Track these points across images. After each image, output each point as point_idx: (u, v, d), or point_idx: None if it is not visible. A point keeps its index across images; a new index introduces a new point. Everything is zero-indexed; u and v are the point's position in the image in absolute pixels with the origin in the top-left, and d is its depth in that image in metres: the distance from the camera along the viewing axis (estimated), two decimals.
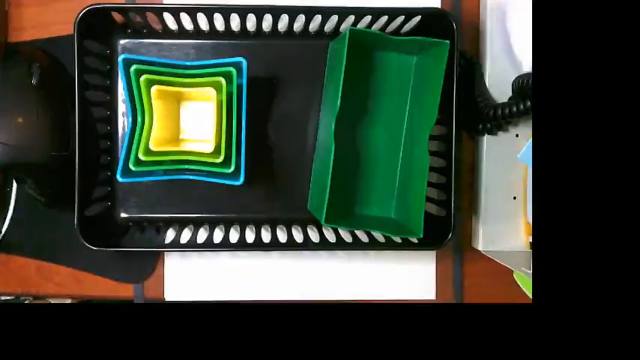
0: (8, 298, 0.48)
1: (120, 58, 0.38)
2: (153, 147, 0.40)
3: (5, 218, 0.46)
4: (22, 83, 0.43)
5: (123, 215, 0.46)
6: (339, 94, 0.40)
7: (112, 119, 0.46)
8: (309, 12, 0.43)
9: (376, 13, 0.43)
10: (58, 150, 0.43)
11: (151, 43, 0.46)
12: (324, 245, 0.45)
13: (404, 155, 0.46)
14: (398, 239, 0.46)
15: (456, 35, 0.42)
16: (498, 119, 0.44)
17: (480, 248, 0.48)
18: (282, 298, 0.50)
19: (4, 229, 0.46)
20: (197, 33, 0.45)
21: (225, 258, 0.49)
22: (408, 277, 0.50)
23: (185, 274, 0.48)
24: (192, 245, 0.45)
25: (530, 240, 0.48)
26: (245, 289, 0.49)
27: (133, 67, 0.38)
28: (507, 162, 0.47)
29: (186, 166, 0.41)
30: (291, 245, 0.45)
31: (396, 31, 0.46)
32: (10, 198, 0.46)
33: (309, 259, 0.50)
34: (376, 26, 0.45)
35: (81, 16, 0.41)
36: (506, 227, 0.48)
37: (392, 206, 0.47)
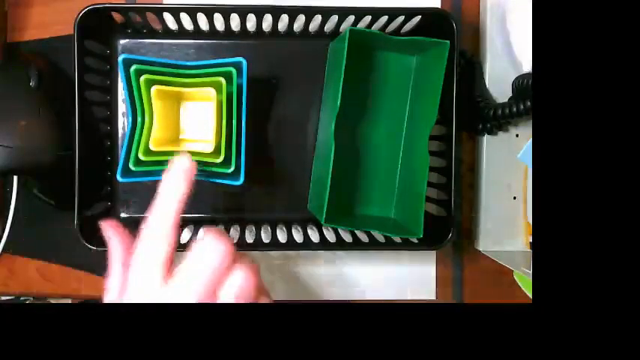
0: (8, 298, 0.48)
1: (120, 58, 0.38)
2: (153, 147, 0.40)
3: (6, 219, 0.46)
4: (21, 87, 0.43)
5: (123, 215, 0.46)
6: (339, 94, 0.40)
7: (112, 119, 0.46)
8: (309, 12, 0.43)
9: (376, 13, 0.43)
10: (64, 150, 0.43)
11: (151, 43, 0.46)
12: (324, 245, 0.45)
13: (404, 155, 0.46)
14: (398, 239, 0.46)
15: (455, 35, 0.42)
16: (498, 119, 0.44)
17: (480, 248, 0.48)
18: (281, 298, 0.50)
19: (6, 231, 0.46)
20: (197, 33, 0.45)
21: None
22: (408, 277, 0.50)
23: None
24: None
25: (530, 240, 0.48)
26: None
27: (133, 67, 0.38)
28: (507, 162, 0.47)
29: None
30: (291, 245, 0.45)
31: (396, 31, 0.46)
32: (11, 199, 0.46)
33: (308, 259, 0.50)
34: (376, 26, 0.45)
35: (81, 16, 0.41)
36: (506, 227, 0.48)
37: (392, 206, 0.47)
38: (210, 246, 0.33)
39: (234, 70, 0.39)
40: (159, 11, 0.42)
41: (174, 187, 0.35)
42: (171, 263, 0.34)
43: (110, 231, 0.37)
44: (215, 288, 0.33)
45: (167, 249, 0.34)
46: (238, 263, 0.34)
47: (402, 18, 0.44)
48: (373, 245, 0.46)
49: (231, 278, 0.34)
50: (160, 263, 0.33)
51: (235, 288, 0.33)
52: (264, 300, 0.36)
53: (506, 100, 0.45)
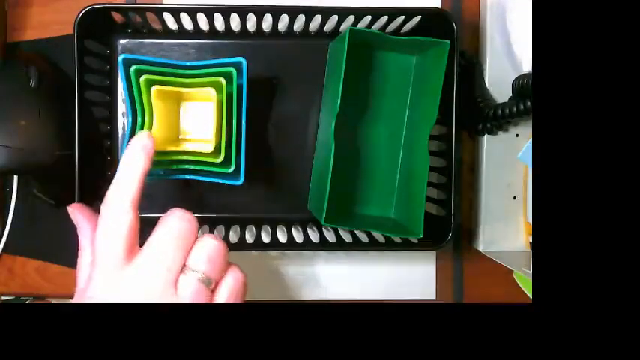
0: (8, 298, 0.48)
1: (120, 58, 0.38)
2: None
3: (6, 219, 0.46)
4: (21, 87, 0.43)
5: None
6: (339, 94, 0.40)
7: (112, 119, 0.46)
8: (309, 12, 0.43)
9: (376, 13, 0.43)
10: (64, 150, 0.43)
11: (151, 43, 0.46)
12: (324, 245, 0.45)
13: (404, 155, 0.46)
14: (398, 239, 0.46)
15: (455, 35, 0.42)
16: (498, 119, 0.44)
17: (480, 248, 0.48)
18: (282, 298, 0.50)
19: (6, 231, 0.46)
20: (197, 33, 0.45)
21: None
22: (408, 277, 0.50)
23: None
24: None
25: (530, 240, 0.48)
26: None
27: (133, 67, 0.38)
28: (507, 162, 0.47)
29: (186, 166, 0.41)
30: (291, 245, 0.45)
31: (396, 31, 0.46)
32: (11, 199, 0.46)
33: (308, 259, 0.50)
34: (376, 26, 0.45)
35: (81, 16, 0.41)
36: (506, 227, 0.48)
37: (392, 206, 0.47)
38: (175, 215, 0.34)
39: (234, 70, 0.39)
40: (159, 11, 0.42)
41: (132, 164, 0.35)
42: (136, 238, 0.34)
43: (76, 213, 0.37)
44: (184, 256, 0.33)
45: (128, 224, 0.33)
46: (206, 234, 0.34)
47: (402, 18, 0.44)
48: (373, 245, 0.46)
49: (200, 245, 0.34)
50: (121, 238, 0.33)
51: (204, 255, 0.33)
52: (234, 269, 0.35)
53: (506, 100, 0.45)
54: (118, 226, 0.33)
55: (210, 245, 0.34)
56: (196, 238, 0.34)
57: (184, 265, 0.33)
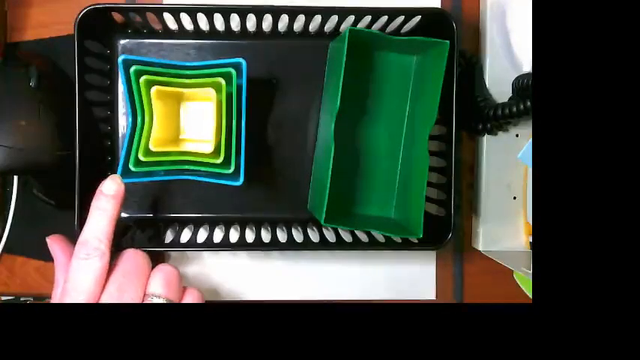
0: (8, 298, 0.48)
1: (120, 59, 0.38)
2: (153, 147, 0.40)
3: (6, 219, 0.46)
4: (21, 87, 0.43)
5: (123, 215, 0.46)
6: (339, 94, 0.40)
7: (112, 119, 0.46)
8: (309, 12, 0.43)
9: (376, 13, 0.43)
10: (64, 150, 0.43)
11: (151, 43, 0.46)
12: (324, 245, 0.45)
13: (404, 155, 0.46)
14: (398, 239, 0.46)
15: (455, 35, 0.42)
16: (498, 119, 0.44)
17: (480, 248, 0.48)
18: (282, 298, 0.50)
19: (6, 231, 0.46)
20: (197, 33, 0.45)
21: (225, 258, 0.49)
22: (408, 277, 0.50)
23: (184, 275, 0.48)
24: (192, 245, 0.45)
25: (530, 240, 0.48)
26: (245, 289, 0.49)
27: (133, 68, 0.38)
28: (507, 162, 0.47)
29: (186, 167, 0.41)
30: (291, 245, 0.45)
31: (396, 31, 0.46)
32: (11, 199, 0.46)
33: (309, 259, 0.50)
34: (376, 26, 0.45)
35: (81, 16, 0.41)
36: (506, 227, 0.48)
37: (392, 206, 0.47)
38: (129, 252, 0.38)
39: (233, 71, 0.39)
40: (159, 11, 0.42)
41: (104, 209, 0.37)
42: (105, 279, 0.36)
43: (55, 246, 0.40)
44: (144, 284, 0.37)
45: (101, 268, 0.36)
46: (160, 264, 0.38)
47: (402, 18, 0.44)
48: (373, 245, 0.46)
49: (156, 272, 0.37)
50: (93, 282, 0.35)
51: (161, 280, 0.37)
52: (191, 290, 0.39)
53: (506, 100, 0.45)
54: (91, 270, 0.36)
55: (164, 270, 0.37)
56: (151, 269, 0.37)
57: (145, 293, 0.36)
